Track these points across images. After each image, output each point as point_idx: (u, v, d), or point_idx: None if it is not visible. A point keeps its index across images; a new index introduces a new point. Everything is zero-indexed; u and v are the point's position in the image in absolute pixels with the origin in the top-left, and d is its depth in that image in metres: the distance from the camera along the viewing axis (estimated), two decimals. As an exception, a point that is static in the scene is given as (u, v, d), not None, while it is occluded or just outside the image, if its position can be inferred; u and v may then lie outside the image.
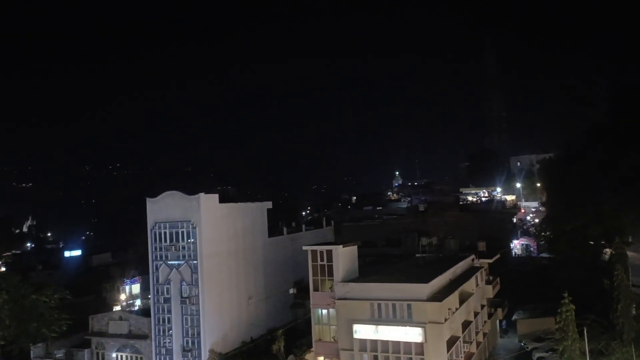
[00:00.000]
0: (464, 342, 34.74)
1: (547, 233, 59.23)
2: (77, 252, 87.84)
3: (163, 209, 39.53)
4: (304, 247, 36.39)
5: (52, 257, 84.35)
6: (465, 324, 35.51)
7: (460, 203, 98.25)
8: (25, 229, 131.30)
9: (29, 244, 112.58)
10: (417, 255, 48.92)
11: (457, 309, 33.88)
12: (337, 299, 33.26)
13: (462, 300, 35.59)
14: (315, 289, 35.17)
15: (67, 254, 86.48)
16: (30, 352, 41.10)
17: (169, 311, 38.36)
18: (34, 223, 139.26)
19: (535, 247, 72.44)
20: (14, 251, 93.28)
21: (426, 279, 32.28)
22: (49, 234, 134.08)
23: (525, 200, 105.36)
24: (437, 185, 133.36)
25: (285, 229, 49.06)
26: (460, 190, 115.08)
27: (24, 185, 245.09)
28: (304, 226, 54.24)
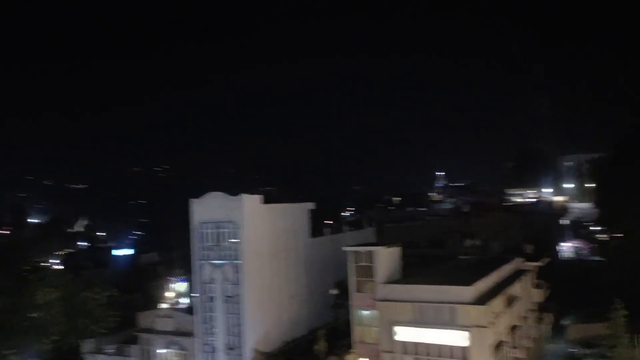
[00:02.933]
0: (511, 347, 33.82)
1: (599, 235, 56.93)
2: (127, 251, 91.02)
3: (207, 209, 40.32)
4: (345, 248, 36.36)
5: (103, 256, 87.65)
6: (512, 329, 34.57)
7: (506, 204, 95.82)
8: (78, 229, 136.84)
9: (82, 243, 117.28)
10: (460, 257, 48.01)
11: (503, 313, 33.03)
12: (379, 301, 33.06)
13: (509, 303, 34.67)
14: (357, 290, 35.09)
15: (117, 252, 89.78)
16: (80, 347, 42.95)
17: (213, 310, 39.09)
18: (87, 223, 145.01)
19: (589, 249, 69.81)
20: (68, 250, 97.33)
21: (470, 282, 31.62)
22: (100, 234, 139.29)
23: (575, 202, 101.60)
24: (480, 186, 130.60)
25: (326, 230, 49.12)
26: (506, 191, 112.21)
27: (77, 186, 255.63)
28: (345, 227, 54.16)
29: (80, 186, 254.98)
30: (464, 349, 30.13)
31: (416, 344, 31.43)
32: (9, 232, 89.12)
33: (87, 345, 43.10)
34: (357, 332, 34.76)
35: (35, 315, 19.35)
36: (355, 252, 35.39)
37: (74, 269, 47.03)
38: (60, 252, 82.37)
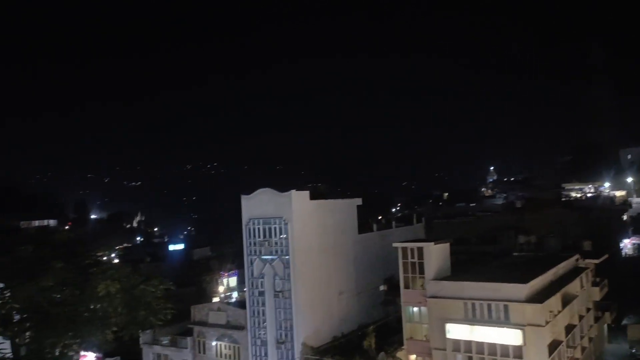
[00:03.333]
0: (567, 346, 32.63)
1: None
2: (180, 246, 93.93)
3: (257, 205, 41.00)
4: (394, 244, 36.11)
5: (159, 250, 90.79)
6: (569, 328, 33.33)
7: (562, 199, 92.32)
8: (135, 224, 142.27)
9: (138, 238, 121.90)
10: (514, 254, 46.68)
11: (559, 312, 31.90)
12: (429, 297, 32.66)
13: (565, 302, 33.45)
14: (406, 287, 34.81)
15: (171, 247, 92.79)
16: (140, 338, 44.79)
17: (264, 304, 39.77)
18: (143, 218, 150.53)
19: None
20: (125, 244, 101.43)
21: (525, 279, 30.68)
22: (155, 229, 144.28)
23: (638, 196, 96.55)
24: (535, 180, 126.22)
25: (375, 226, 48.91)
26: (562, 185, 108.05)
27: (133, 183, 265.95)
28: (394, 223, 53.73)
29: (136, 183, 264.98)
30: (518, 347, 29.34)
31: (468, 342, 30.87)
32: (71, 227, 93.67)
33: (144, 336, 44.94)
34: (407, 329, 34.49)
35: (97, 306, 20.28)
36: (405, 248, 35.06)
37: (132, 262, 48.92)
38: (119, 247, 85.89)
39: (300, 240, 39.36)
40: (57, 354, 19.05)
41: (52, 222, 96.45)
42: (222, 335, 42.33)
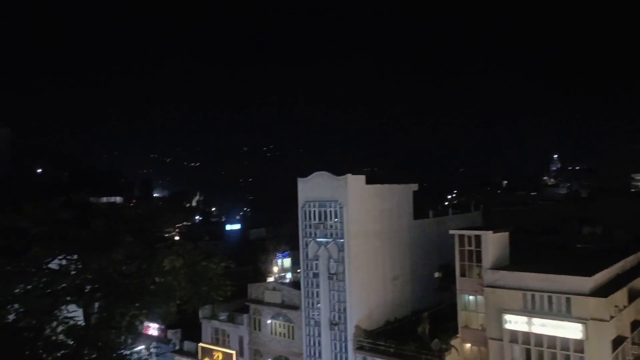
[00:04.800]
0: (633, 343, 31.24)
1: None
2: (237, 226, 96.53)
3: (313, 188, 41.41)
4: (451, 231, 35.60)
5: (216, 230, 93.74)
6: (635, 324, 31.87)
7: (632, 190, 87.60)
8: (194, 204, 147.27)
9: (197, 217, 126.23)
10: (577, 245, 44.86)
11: (625, 307, 30.54)
12: (486, 287, 32.08)
13: (632, 297, 31.96)
14: (462, 275, 34.34)
15: (228, 227, 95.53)
16: (199, 312, 46.65)
17: (318, 285, 40.37)
18: (202, 198, 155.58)
19: None
20: (185, 222, 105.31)
21: (589, 272, 29.52)
22: (213, 209, 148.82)
23: None
24: (602, 169, 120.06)
25: (431, 212, 48.29)
26: (632, 175, 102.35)
27: (192, 164, 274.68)
28: (450, 210, 52.83)
29: (196, 164, 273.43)
30: (579, 342, 28.40)
31: (526, 334, 30.16)
32: (136, 204, 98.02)
33: (203, 311, 46.79)
34: (462, 317, 34.11)
35: (162, 280, 21.27)
36: (462, 235, 34.51)
37: (192, 240, 50.77)
38: (179, 225, 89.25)
39: (355, 224, 39.51)
40: (125, 323, 20.15)
41: (118, 199, 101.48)
42: (277, 314, 43.39)
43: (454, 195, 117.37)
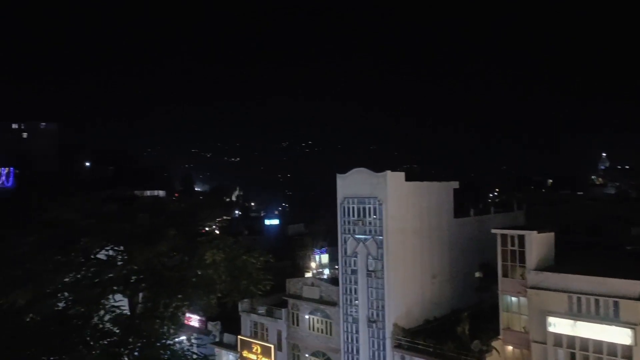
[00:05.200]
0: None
1: None
2: (275, 222, 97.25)
3: (351, 184, 41.32)
4: (493, 230, 34.85)
5: (255, 225, 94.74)
6: (689, 332, 30.33)
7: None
8: (233, 199, 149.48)
9: (236, 212, 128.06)
10: (626, 247, 43.08)
11: (678, 313, 29.10)
12: (530, 288, 31.25)
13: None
14: (504, 275, 33.58)
15: (267, 222, 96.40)
16: (238, 306, 47.38)
17: (356, 282, 40.29)
18: (241, 193, 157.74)
19: None
20: (225, 217, 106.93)
21: (639, 275, 28.32)
22: (252, 204, 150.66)
23: None
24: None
25: (472, 210, 47.39)
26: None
27: (232, 159, 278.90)
28: (492, 208, 51.67)
29: (236, 159, 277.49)
30: (627, 347, 27.32)
31: (571, 337, 29.23)
32: (178, 198, 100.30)
33: (243, 305, 47.51)
34: (504, 319, 33.38)
35: (204, 273, 21.66)
36: (504, 235, 33.73)
37: (231, 234, 51.57)
38: (220, 219, 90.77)
39: (395, 221, 39.21)
40: (168, 313, 20.64)
41: (161, 193, 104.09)
42: (314, 310, 43.60)
43: (496, 193, 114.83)
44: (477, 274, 43.02)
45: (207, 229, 27.80)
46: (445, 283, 42.83)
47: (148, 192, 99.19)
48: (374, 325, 38.90)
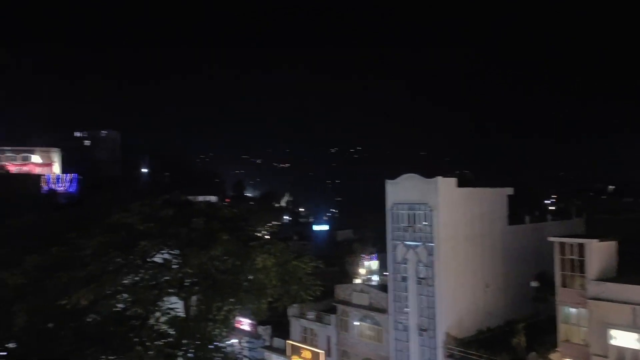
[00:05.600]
0: None
1: None
2: (324, 227, 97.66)
3: (401, 190, 40.93)
4: (550, 239, 33.55)
5: (304, 230, 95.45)
6: None
7: None
8: (283, 204, 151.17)
9: (285, 217, 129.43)
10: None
11: None
12: (590, 299, 29.86)
13: None
14: (563, 285, 32.24)
15: (316, 227, 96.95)
16: (288, 310, 47.78)
17: (406, 289, 39.78)
18: (290, 199, 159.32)
19: None
20: (274, 222, 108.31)
21: None
22: (301, 209, 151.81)
23: None
24: None
25: (527, 218, 45.84)
26: None
27: (282, 165, 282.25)
28: (549, 216, 49.81)
29: (285, 165, 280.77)
30: (700, 366, 25.59)
31: (636, 352, 27.70)
32: (229, 203, 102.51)
33: (292, 310, 47.88)
34: (562, 331, 32.01)
35: (255, 277, 21.99)
36: (563, 243, 32.41)
37: (281, 240, 52.23)
38: (270, 224, 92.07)
39: (446, 228, 38.51)
40: (221, 316, 21.08)
41: (213, 198, 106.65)
42: (364, 316, 43.36)
43: (553, 200, 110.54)
44: (533, 284, 41.52)
45: (258, 234, 28.20)
46: (498, 292, 41.58)
47: (200, 198, 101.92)
48: (424, 333, 38.25)
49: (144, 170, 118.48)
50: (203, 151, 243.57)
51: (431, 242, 38.48)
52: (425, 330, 38.22)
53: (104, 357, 18.71)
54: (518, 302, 42.09)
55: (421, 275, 38.92)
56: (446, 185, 39.47)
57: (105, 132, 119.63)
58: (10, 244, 20.34)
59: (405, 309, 39.76)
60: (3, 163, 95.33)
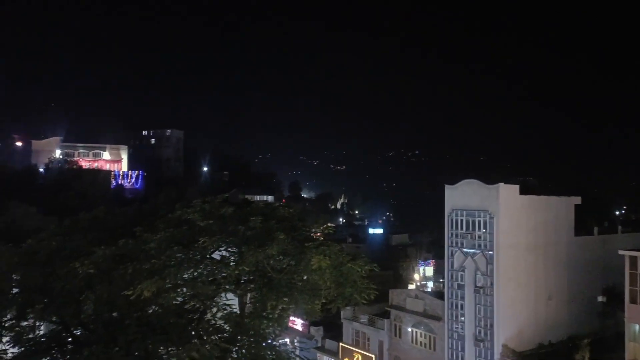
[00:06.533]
0: None
1: None
2: (379, 231, 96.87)
3: (460, 196, 39.96)
4: (621, 252, 31.72)
5: (359, 233, 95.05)
6: None
7: None
8: (338, 206, 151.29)
9: (340, 219, 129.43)
10: None
11: None
12: (663, 318, 27.96)
13: None
14: (632, 301, 30.42)
15: (370, 231, 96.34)
16: (341, 313, 47.70)
17: (462, 298, 38.78)
18: (345, 201, 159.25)
19: None
20: (329, 224, 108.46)
21: None
22: (356, 212, 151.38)
23: None
24: None
25: (596, 229, 43.62)
26: None
27: (338, 167, 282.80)
28: (619, 227, 47.15)
29: (341, 167, 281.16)
30: None
31: None
32: (285, 203, 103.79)
33: (345, 312, 47.77)
34: (630, 349, 30.20)
35: (309, 278, 22.01)
36: (634, 257, 30.52)
37: (335, 242, 52.18)
38: (325, 225, 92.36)
39: (507, 236, 37.25)
40: (275, 315, 21.26)
41: (270, 198, 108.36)
42: (418, 323, 42.63)
43: (624, 211, 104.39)
44: (600, 299, 39.45)
45: (312, 235, 28.31)
46: (562, 305, 39.76)
47: (257, 197, 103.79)
48: (481, 344, 37.12)
49: (204, 169, 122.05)
50: (261, 152, 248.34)
51: (490, 250, 37.32)
52: (481, 340, 37.09)
53: (163, 347, 19.34)
54: (583, 316, 40.07)
55: (479, 284, 37.81)
56: (508, 192, 38.20)
57: (170, 131, 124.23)
58: (81, 235, 21.45)
59: (461, 318, 38.75)
60: (76, 159, 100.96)
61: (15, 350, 18.42)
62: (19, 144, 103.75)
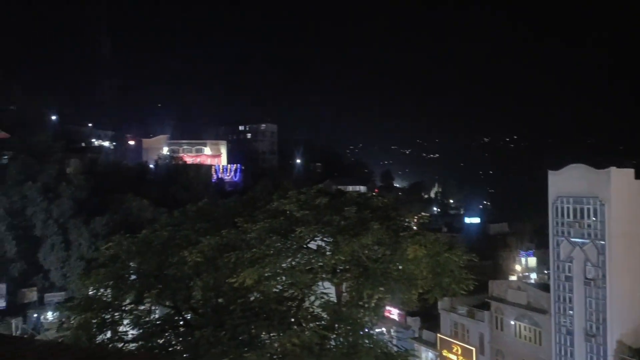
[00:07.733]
0: None
1: None
2: (476, 220, 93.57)
3: (566, 182, 37.47)
4: None
5: (454, 222, 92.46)
6: None
7: None
8: (432, 195, 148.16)
9: (434, 208, 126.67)
10: None
11: None
12: None
13: None
14: None
15: (467, 220, 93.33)
16: (438, 304, 46.83)
17: (571, 290, 36.49)
18: (440, 190, 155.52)
19: None
20: (423, 213, 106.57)
21: None
22: (451, 201, 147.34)
23: None
24: None
25: None
26: None
27: (431, 155, 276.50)
28: None
29: (434, 156, 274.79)
30: None
31: None
32: (378, 193, 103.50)
33: (443, 303, 46.84)
34: None
35: (405, 267, 21.85)
36: None
37: (430, 231, 51.16)
38: (419, 215, 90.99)
39: (620, 225, 34.43)
40: (372, 304, 21.38)
41: (362, 188, 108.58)
42: (521, 315, 40.77)
43: None
44: None
45: (407, 224, 28.00)
46: (688, 300, 36.01)
47: (350, 188, 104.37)
48: (592, 339, 34.73)
49: (298, 160, 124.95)
50: (353, 142, 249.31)
51: (602, 240, 34.69)
52: (593, 336, 34.69)
53: (265, 332, 20.20)
54: None
55: (589, 276, 35.32)
56: (621, 176, 35.25)
57: (264, 125, 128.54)
58: (189, 226, 22.94)
59: (570, 311, 36.46)
60: (181, 155, 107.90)
61: (135, 332, 20.14)
62: (131, 142, 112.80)
